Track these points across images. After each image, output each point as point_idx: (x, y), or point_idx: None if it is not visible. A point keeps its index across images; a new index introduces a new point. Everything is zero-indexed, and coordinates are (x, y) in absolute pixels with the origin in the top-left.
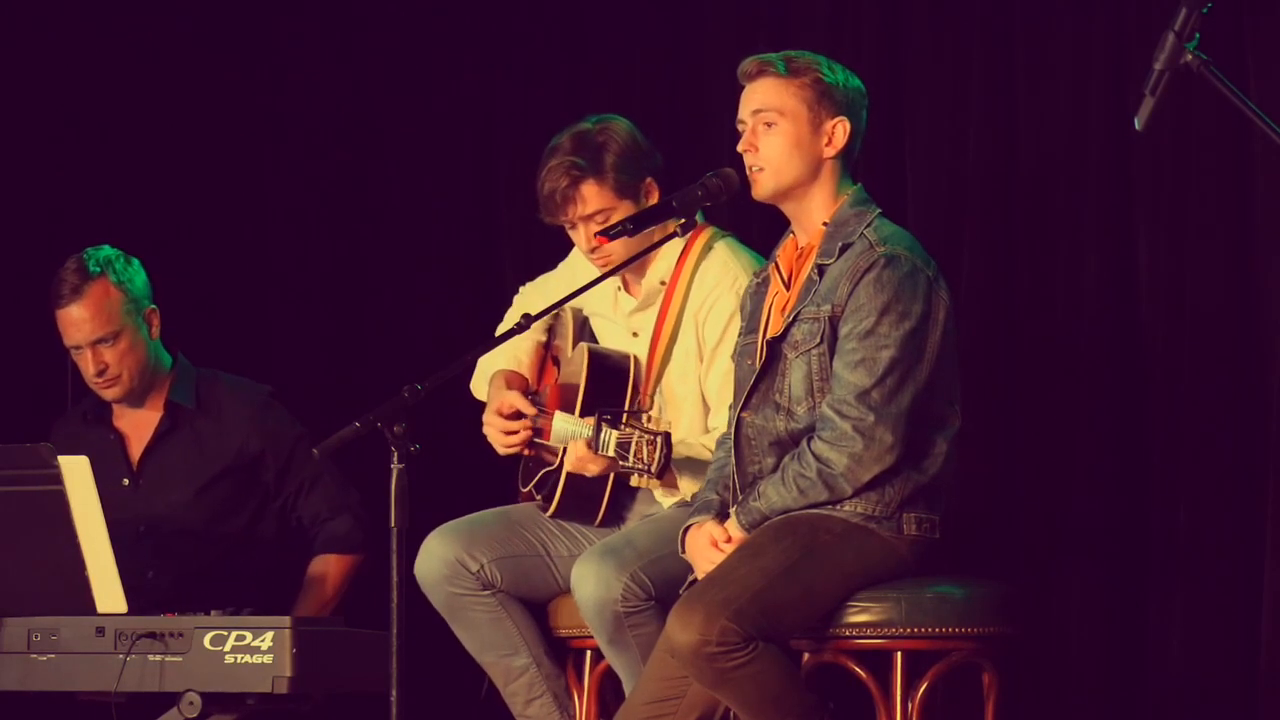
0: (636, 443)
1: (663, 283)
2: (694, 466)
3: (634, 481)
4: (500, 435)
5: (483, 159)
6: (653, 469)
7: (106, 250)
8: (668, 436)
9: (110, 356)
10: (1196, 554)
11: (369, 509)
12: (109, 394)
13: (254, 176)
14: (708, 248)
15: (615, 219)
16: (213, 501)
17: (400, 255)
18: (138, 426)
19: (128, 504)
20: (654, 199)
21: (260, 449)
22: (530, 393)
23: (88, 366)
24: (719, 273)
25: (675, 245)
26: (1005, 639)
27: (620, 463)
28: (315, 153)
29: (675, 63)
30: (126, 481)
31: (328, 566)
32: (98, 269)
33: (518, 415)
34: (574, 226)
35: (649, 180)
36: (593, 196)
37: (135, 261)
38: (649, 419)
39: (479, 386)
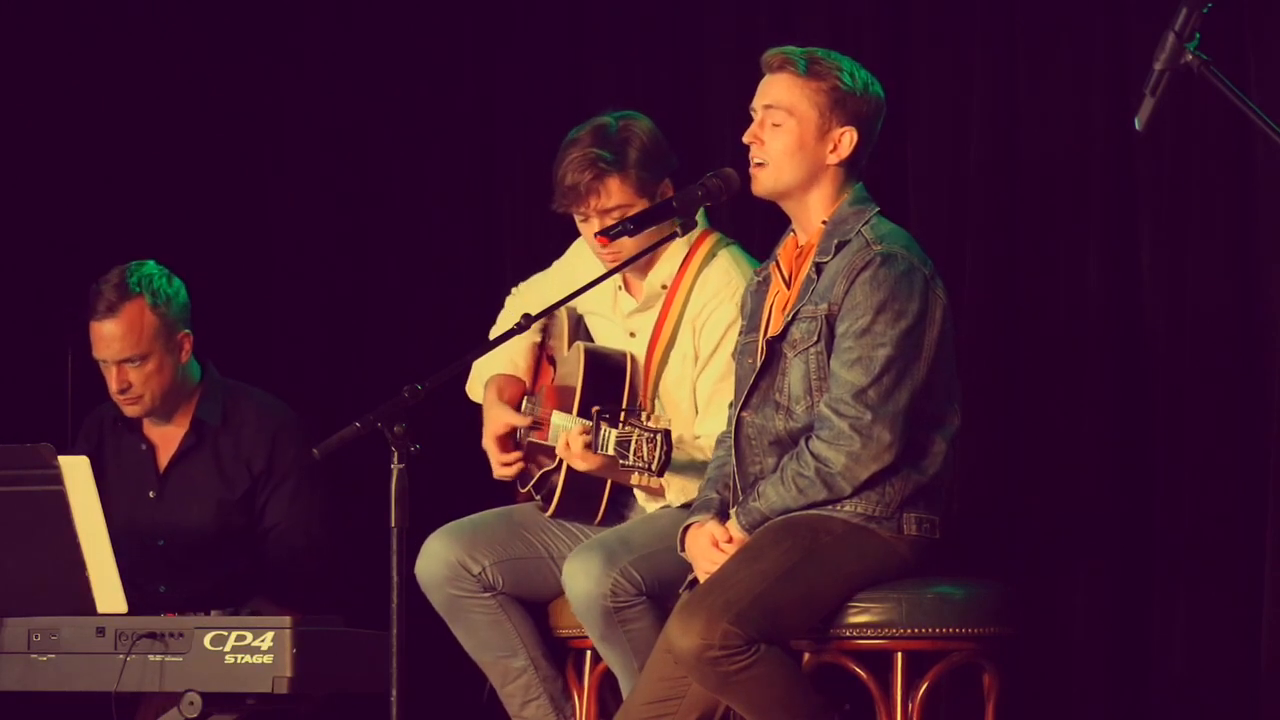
0: (636, 440)
1: (664, 286)
2: (683, 471)
3: (634, 480)
4: (498, 466)
5: (484, 159)
6: (653, 467)
7: (150, 267)
8: (668, 434)
9: (135, 377)
10: (1198, 554)
11: (366, 514)
12: (129, 411)
13: (255, 176)
14: (711, 254)
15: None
16: (228, 521)
17: (400, 255)
18: (166, 439)
19: (149, 516)
20: None
21: (265, 469)
22: (526, 394)
23: (112, 382)
24: (720, 281)
25: (679, 250)
26: (1005, 639)
27: (620, 462)
28: (316, 152)
29: (676, 63)
30: (152, 494)
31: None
32: (137, 288)
33: (512, 434)
34: (587, 219)
35: (666, 181)
36: (615, 191)
37: (177, 281)
38: (648, 416)
39: (474, 389)
